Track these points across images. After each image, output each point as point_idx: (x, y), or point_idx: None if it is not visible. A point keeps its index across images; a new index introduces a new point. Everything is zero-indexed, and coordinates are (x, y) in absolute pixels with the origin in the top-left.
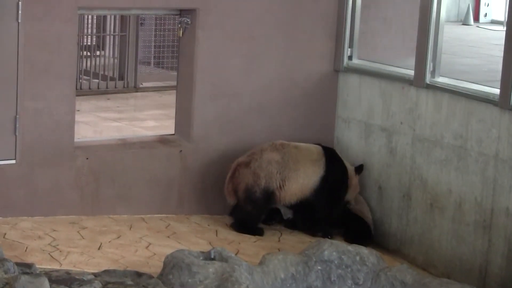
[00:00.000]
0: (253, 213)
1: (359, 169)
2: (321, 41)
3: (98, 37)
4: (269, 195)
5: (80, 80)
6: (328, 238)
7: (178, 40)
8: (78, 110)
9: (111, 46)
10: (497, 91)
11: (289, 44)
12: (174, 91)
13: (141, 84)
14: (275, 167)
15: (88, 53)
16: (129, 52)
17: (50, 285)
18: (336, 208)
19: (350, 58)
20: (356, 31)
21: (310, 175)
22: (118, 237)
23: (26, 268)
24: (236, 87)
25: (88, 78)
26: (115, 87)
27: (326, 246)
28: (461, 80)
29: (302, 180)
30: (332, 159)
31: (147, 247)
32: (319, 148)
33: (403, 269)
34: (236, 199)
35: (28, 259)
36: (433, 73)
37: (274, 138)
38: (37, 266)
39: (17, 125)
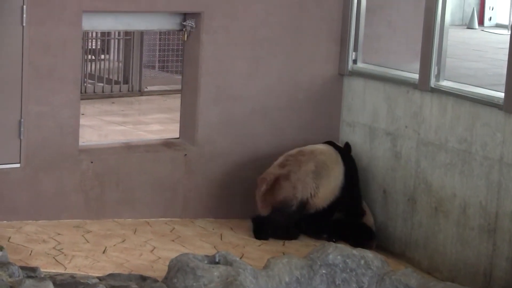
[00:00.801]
0: (286, 223)
1: (349, 149)
2: (326, 45)
3: (102, 40)
4: (304, 205)
5: (85, 84)
6: (333, 241)
7: (183, 43)
8: (83, 114)
9: (116, 49)
10: (501, 95)
11: (294, 47)
12: (179, 94)
13: (146, 87)
14: (311, 177)
15: (93, 57)
16: (134, 56)
17: None
18: (360, 193)
19: (354, 61)
20: (361, 34)
21: (337, 176)
22: (123, 241)
23: (30, 272)
24: (241, 91)
25: (93, 81)
26: (120, 91)
27: (330, 250)
28: (466, 84)
29: (333, 183)
30: (343, 152)
31: (151, 251)
32: (330, 146)
33: (407, 273)
34: (270, 211)
35: (33, 263)
36: (437, 77)
37: (279, 141)
38: (41, 270)
39: (22, 129)
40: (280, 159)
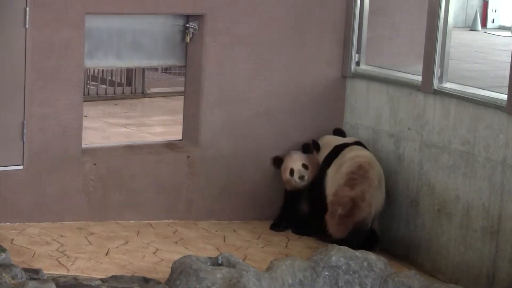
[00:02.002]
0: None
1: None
2: (329, 47)
3: None
4: (374, 219)
5: (88, 86)
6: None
7: (186, 45)
8: (86, 116)
9: None
10: (504, 96)
11: (297, 50)
12: (182, 96)
13: (149, 89)
14: (378, 190)
15: None
16: None
17: None
18: None
19: (357, 64)
20: (364, 37)
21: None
22: (126, 243)
23: (33, 273)
24: (244, 93)
25: (96, 83)
26: (123, 93)
27: (333, 251)
28: (469, 86)
29: (384, 188)
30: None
31: (154, 253)
32: (367, 151)
33: (410, 275)
34: (347, 233)
35: (36, 265)
36: (440, 79)
37: (282, 143)
38: (44, 271)
39: (25, 131)
40: (343, 177)
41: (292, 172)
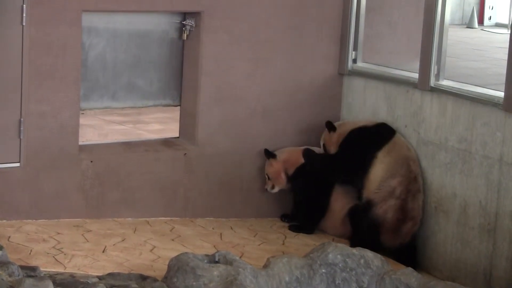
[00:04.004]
0: None
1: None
2: (326, 45)
3: None
4: None
5: None
6: None
7: (183, 43)
8: (83, 113)
9: None
10: (501, 94)
11: (294, 47)
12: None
13: None
14: None
15: None
16: None
17: None
18: None
19: (354, 61)
20: (361, 34)
21: None
22: (123, 240)
23: (30, 271)
24: (241, 91)
25: None
26: None
27: (330, 249)
28: (466, 83)
29: None
30: None
31: (151, 250)
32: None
33: (407, 273)
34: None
35: (33, 262)
36: (437, 76)
37: (279, 141)
38: (41, 269)
39: (22, 129)
40: (397, 188)
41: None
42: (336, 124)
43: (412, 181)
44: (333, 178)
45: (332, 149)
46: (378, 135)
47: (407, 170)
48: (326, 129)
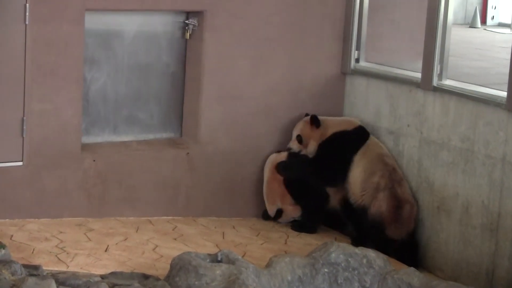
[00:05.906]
0: None
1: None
2: (329, 44)
3: None
4: None
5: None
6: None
7: (185, 42)
8: None
9: None
10: (504, 93)
11: (297, 46)
12: None
13: None
14: None
15: None
16: None
17: (57, 287)
18: None
19: (357, 60)
20: (364, 33)
21: None
22: (125, 239)
23: (33, 270)
24: (243, 90)
25: None
26: None
27: (333, 248)
28: (469, 83)
29: None
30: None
31: (154, 249)
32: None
33: (410, 272)
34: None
35: (35, 261)
36: (440, 76)
37: (281, 140)
38: (44, 268)
39: (24, 127)
40: (380, 182)
41: None
42: (320, 119)
43: (392, 172)
44: (313, 182)
45: (310, 144)
46: (355, 139)
47: (384, 165)
48: (307, 122)
